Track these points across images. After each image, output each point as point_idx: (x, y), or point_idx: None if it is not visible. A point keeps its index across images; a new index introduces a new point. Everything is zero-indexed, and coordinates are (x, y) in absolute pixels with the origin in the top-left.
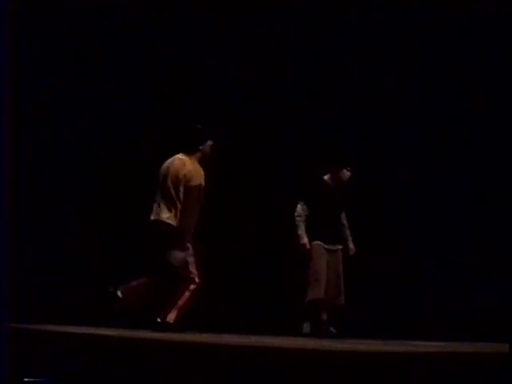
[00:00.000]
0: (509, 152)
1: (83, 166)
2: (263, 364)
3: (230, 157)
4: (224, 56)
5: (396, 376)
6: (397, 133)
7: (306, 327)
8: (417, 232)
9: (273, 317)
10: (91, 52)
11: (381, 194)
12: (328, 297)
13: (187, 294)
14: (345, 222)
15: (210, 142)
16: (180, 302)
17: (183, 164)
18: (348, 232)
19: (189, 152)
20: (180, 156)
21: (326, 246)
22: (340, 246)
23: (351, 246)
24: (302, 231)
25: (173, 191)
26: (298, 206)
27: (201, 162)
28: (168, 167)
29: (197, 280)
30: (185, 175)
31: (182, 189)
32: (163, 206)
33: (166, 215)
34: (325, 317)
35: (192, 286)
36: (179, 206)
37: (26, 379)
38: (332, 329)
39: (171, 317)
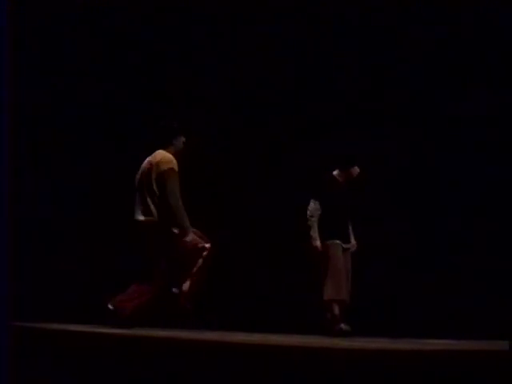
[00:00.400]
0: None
1: (83, 166)
2: (278, 363)
3: (237, 156)
4: (225, 56)
5: (398, 374)
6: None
7: (345, 326)
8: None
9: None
10: (91, 52)
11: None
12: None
13: (200, 261)
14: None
15: (182, 138)
16: (194, 269)
17: (154, 156)
18: (350, 228)
19: (163, 146)
20: (155, 153)
21: (342, 245)
22: (349, 245)
23: (353, 242)
24: (314, 233)
25: (149, 186)
26: (311, 204)
27: (176, 157)
28: (142, 165)
29: (206, 245)
30: (155, 166)
31: (155, 182)
32: (143, 205)
33: (142, 213)
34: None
35: (204, 253)
36: (155, 198)
37: None
38: (343, 326)
39: (186, 285)
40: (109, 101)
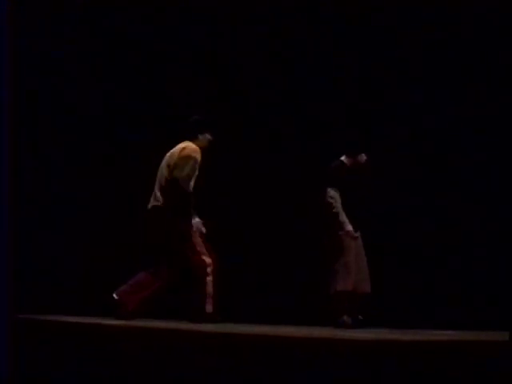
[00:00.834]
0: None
1: (83, 166)
2: (277, 354)
3: (240, 154)
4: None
5: (398, 364)
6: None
7: (347, 319)
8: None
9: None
10: (91, 52)
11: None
12: (356, 286)
13: (209, 279)
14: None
15: (208, 136)
16: (208, 290)
17: (178, 146)
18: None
19: (188, 138)
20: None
21: (354, 234)
22: (359, 233)
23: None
24: (344, 217)
25: (164, 173)
26: (330, 191)
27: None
28: (165, 156)
29: (208, 261)
30: (177, 152)
31: (171, 166)
32: (156, 193)
33: (154, 200)
34: (352, 306)
35: (209, 269)
36: (166, 184)
37: None
38: (360, 317)
39: (209, 308)
40: (109, 101)
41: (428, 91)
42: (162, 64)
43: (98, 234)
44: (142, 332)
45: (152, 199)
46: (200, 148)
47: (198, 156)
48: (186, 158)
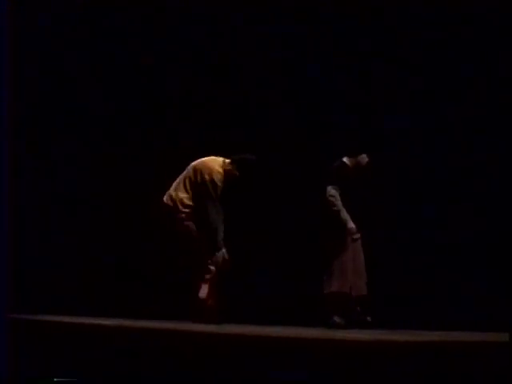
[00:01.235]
0: None
1: (83, 166)
2: (286, 355)
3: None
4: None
5: (396, 365)
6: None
7: (339, 319)
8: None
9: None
10: (91, 52)
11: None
12: (352, 287)
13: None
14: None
15: (252, 158)
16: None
17: (213, 163)
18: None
19: (228, 160)
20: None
21: (355, 232)
22: (359, 235)
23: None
24: (345, 215)
25: (187, 179)
26: (331, 190)
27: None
28: (196, 162)
29: (212, 268)
30: (209, 173)
31: (189, 176)
32: (176, 188)
33: (165, 196)
34: (356, 306)
35: (208, 276)
36: (182, 190)
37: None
38: (369, 318)
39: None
40: (109, 101)
41: (430, 91)
42: (162, 64)
43: (98, 234)
44: (141, 332)
45: (171, 193)
46: (231, 173)
47: (220, 183)
48: (207, 185)
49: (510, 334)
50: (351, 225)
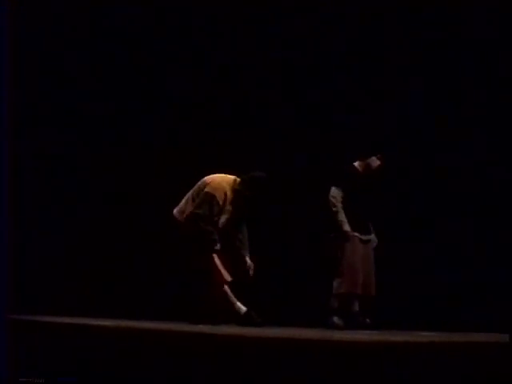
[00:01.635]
0: None
1: (84, 166)
2: (290, 356)
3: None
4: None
5: (394, 366)
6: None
7: (338, 320)
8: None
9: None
10: (91, 51)
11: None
12: (361, 288)
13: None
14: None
15: (263, 176)
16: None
17: (214, 176)
18: (371, 223)
19: (237, 177)
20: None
21: (360, 237)
22: (370, 237)
23: (373, 237)
24: (343, 217)
25: (194, 191)
26: (334, 190)
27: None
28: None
29: (227, 277)
30: (207, 183)
31: (200, 191)
32: (181, 202)
33: (176, 209)
34: (357, 308)
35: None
36: (190, 203)
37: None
38: (368, 320)
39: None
40: (109, 101)
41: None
42: (163, 64)
43: (98, 235)
44: (141, 333)
45: (181, 206)
46: (241, 194)
47: (218, 194)
48: (202, 195)
49: (511, 335)
50: (346, 228)
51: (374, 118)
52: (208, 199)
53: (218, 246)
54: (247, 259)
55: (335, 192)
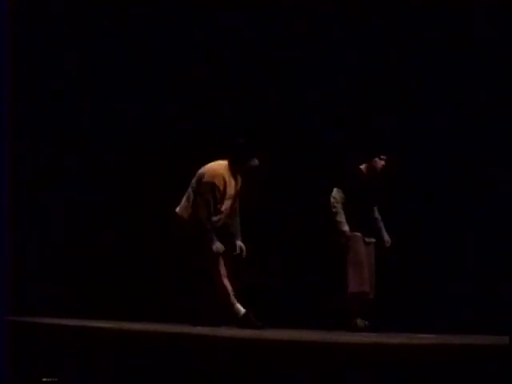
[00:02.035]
0: None
1: (83, 167)
2: (275, 357)
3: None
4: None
5: (395, 369)
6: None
7: (361, 322)
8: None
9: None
10: (92, 51)
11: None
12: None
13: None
14: (377, 214)
15: (255, 162)
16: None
17: (210, 165)
18: (382, 224)
19: (234, 161)
20: (215, 163)
21: (364, 238)
22: (373, 240)
23: (386, 237)
24: (341, 217)
25: (193, 186)
26: (335, 191)
27: (243, 177)
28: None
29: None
30: (204, 172)
31: (199, 183)
32: (183, 200)
33: (179, 207)
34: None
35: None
36: (192, 199)
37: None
38: (367, 322)
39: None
40: (109, 101)
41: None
42: (163, 64)
43: (98, 237)
44: (141, 335)
45: (183, 203)
46: (243, 172)
47: (217, 180)
48: (202, 186)
49: (510, 337)
50: (344, 228)
51: (374, 118)
52: (209, 188)
53: (217, 247)
54: (238, 242)
55: (336, 193)
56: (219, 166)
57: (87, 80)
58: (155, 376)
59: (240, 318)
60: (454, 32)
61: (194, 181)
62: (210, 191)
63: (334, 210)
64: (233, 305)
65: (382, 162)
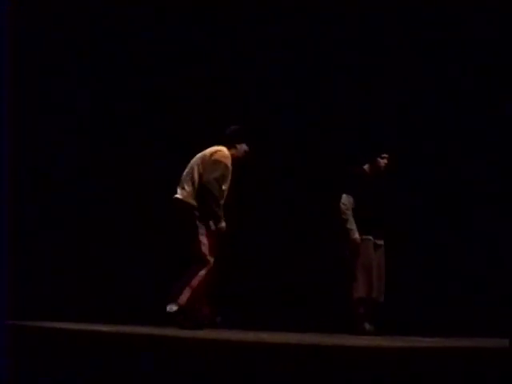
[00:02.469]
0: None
1: (84, 167)
2: (277, 360)
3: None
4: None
5: (396, 372)
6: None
7: (368, 326)
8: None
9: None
10: (92, 51)
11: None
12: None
13: (199, 277)
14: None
15: (245, 146)
16: (193, 283)
17: (213, 148)
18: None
19: (226, 146)
20: (217, 146)
21: (374, 241)
22: (382, 242)
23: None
24: (352, 225)
25: (195, 169)
26: (344, 197)
27: (233, 161)
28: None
29: (209, 263)
30: (208, 154)
31: (202, 167)
32: (183, 185)
33: (182, 193)
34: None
35: (203, 270)
36: (197, 184)
37: None
38: (372, 326)
39: (183, 298)
40: (109, 100)
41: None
42: (163, 64)
43: (98, 240)
44: (140, 339)
45: (178, 190)
46: (234, 157)
47: (229, 162)
48: (215, 163)
49: (510, 340)
50: (355, 235)
51: (375, 119)
52: (221, 167)
53: (223, 226)
54: (221, 224)
55: (346, 199)
56: (225, 149)
57: (87, 80)
58: (154, 380)
59: (169, 314)
60: (454, 32)
61: (195, 164)
62: (225, 169)
63: (344, 216)
64: (183, 296)
65: (385, 161)
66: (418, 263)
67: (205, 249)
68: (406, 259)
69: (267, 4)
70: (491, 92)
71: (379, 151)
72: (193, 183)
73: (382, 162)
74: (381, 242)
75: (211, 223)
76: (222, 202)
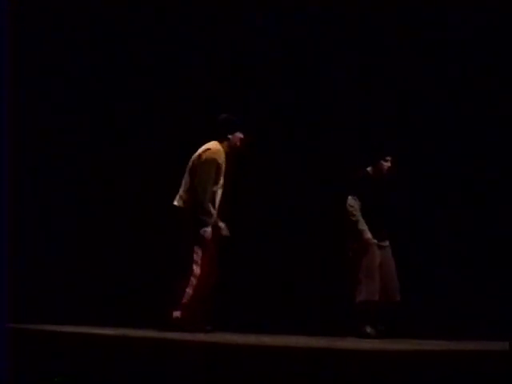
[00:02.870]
0: None
1: (84, 166)
2: (278, 363)
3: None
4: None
5: (396, 374)
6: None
7: (370, 329)
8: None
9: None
10: (92, 51)
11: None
12: (383, 295)
13: (189, 291)
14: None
15: (239, 134)
16: (184, 300)
17: (204, 146)
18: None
19: (218, 139)
20: (208, 143)
21: (378, 243)
22: (387, 243)
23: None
24: (363, 226)
25: (186, 173)
26: (351, 200)
27: (230, 153)
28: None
29: (194, 273)
30: (197, 156)
31: (193, 170)
32: (180, 190)
33: (178, 199)
34: (373, 315)
35: (194, 281)
36: (189, 189)
37: None
38: (382, 327)
39: (176, 314)
40: (109, 101)
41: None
42: (163, 64)
43: (98, 243)
44: (141, 342)
45: (177, 197)
46: (231, 148)
47: (219, 158)
48: (204, 164)
49: (510, 343)
50: (368, 236)
51: (375, 119)
52: (212, 165)
53: (206, 231)
54: (220, 224)
55: (352, 201)
56: (215, 144)
57: (87, 80)
58: (155, 383)
59: (174, 319)
60: (454, 32)
61: (188, 167)
62: (213, 167)
63: (353, 218)
64: (184, 304)
65: (388, 164)
66: (418, 263)
67: (196, 257)
68: (406, 259)
69: (267, 4)
70: (491, 92)
71: (383, 154)
72: (187, 189)
73: (386, 164)
74: (386, 244)
75: (203, 230)
76: (217, 201)
